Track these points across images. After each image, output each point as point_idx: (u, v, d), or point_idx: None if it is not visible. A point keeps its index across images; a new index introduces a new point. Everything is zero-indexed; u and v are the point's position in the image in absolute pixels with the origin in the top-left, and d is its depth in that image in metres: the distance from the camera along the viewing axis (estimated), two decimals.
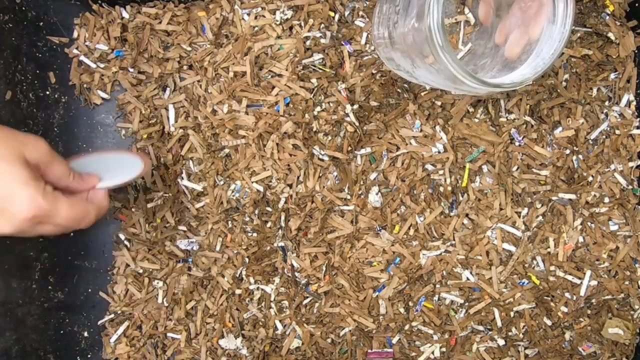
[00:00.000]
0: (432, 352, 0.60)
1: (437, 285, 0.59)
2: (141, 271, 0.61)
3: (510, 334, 0.60)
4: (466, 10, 0.55)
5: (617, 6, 0.58)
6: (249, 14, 0.60)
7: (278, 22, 0.59)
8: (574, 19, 0.42)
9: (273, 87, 0.59)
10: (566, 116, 0.59)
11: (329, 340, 0.60)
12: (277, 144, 0.58)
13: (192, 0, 0.61)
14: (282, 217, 0.59)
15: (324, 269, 0.59)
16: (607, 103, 0.59)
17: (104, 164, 0.53)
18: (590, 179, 0.59)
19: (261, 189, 0.59)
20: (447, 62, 0.40)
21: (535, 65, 0.44)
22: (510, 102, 0.58)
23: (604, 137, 0.59)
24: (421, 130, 0.59)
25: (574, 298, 0.59)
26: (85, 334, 0.62)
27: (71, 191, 0.48)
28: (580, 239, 0.59)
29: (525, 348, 0.60)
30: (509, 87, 0.43)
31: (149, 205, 0.60)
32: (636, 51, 0.59)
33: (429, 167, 0.59)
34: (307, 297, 0.60)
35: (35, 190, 0.42)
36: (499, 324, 0.59)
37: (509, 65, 0.47)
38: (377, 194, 0.59)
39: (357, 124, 0.58)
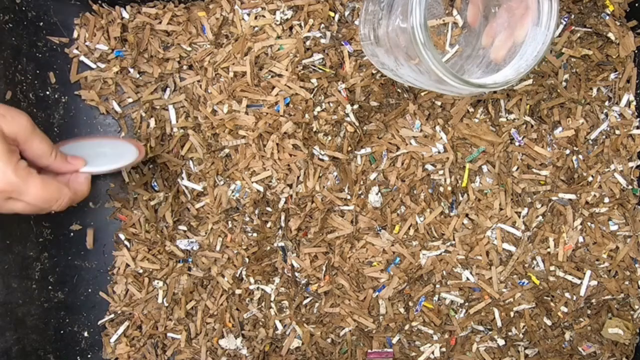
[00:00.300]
0: (432, 352, 0.60)
1: (437, 285, 0.59)
2: (141, 271, 0.61)
3: (510, 334, 0.60)
4: (454, 12, 0.55)
5: (617, 6, 0.58)
6: (249, 14, 0.60)
7: (278, 22, 0.59)
8: (557, 21, 0.43)
9: (273, 87, 0.59)
10: (566, 116, 0.59)
11: (329, 340, 0.60)
12: (277, 144, 0.58)
13: (192, 0, 0.61)
14: (282, 217, 0.59)
15: (324, 269, 0.59)
16: (607, 103, 0.59)
17: (96, 149, 0.52)
18: (590, 179, 0.59)
19: (261, 189, 0.59)
20: (428, 60, 0.40)
21: (518, 67, 0.44)
22: (510, 102, 0.59)
23: (604, 137, 0.59)
24: (421, 130, 0.59)
25: (574, 298, 0.59)
26: (85, 334, 0.62)
27: (53, 171, 0.48)
28: (580, 239, 0.59)
29: (525, 348, 0.60)
30: (491, 87, 0.43)
31: (149, 205, 0.60)
32: (636, 51, 0.59)
33: (429, 167, 0.59)
34: (307, 297, 0.60)
35: (5, 164, 0.41)
36: (499, 324, 0.59)
37: (495, 68, 0.47)
38: (377, 194, 0.59)
39: (357, 124, 0.58)
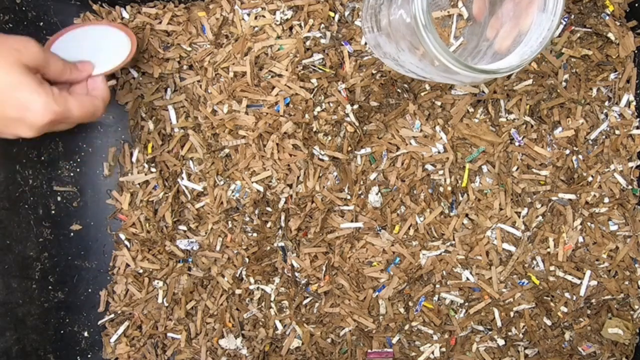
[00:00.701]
0: (432, 352, 0.60)
1: (437, 285, 0.59)
2: (141, 271, 0.61)
3: (510, 334, 0.60)
4: (460, 4, 0.54)
5: (617, 6, 0.58)
6: (249, 14, 0.60)
7: (278, 22, 0.59)
8: (564, 7, 0.42)
9: (273, 87, 0.59)
10: (566, 116, 0.59)
11: (329, 340, 0.60)
12: (277, 144, 0.59)
13: (192, 0, 0.61)
14: (282, 217, 0.59)
15: (324, 269, 0.59)
16: (607, 103, 0.59)
17: (89, 43, 0.54)
18: (590, 179, 0.59)
19: (261, 189, 0.59)
20: (429, 43, 0.39)
21: (523, 54, 0.43)
22: (510, 102, 0.59)
23: (603, 137, 0.59)
24: (421, 130, 0.59)
25: (574, 298, 0.59)
26: (86, 334, 0.62)
27: (72, 82, 0.51)
28: (580, 239, 0.59)
29: (525, 348, 0.60)
30: (494, 73, 0.42)
31: (149, 205, 0.60)
32: (636, 51, 0.59)
33: (429, 167, 0.59)
34: (307, 297, 0.60)
35: (46, 97, 0.44)
36: (499, 324, 0.59)
37: (498, 58, 0.46)
38: (377, 194, 0.59)
39: (357, 124, 0.58)
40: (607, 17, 0.58)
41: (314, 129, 0.59)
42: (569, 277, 0.59)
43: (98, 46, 0.54)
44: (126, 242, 0.62)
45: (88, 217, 0.62)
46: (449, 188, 0.59)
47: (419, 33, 0.40)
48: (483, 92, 0.58)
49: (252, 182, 0.59)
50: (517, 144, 0.59)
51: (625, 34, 0.58)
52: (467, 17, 0.53)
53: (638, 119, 0.59)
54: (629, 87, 0.59)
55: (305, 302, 0.60)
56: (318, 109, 0.59)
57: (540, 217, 0.59)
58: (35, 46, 0.45)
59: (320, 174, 0.59)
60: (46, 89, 0.45)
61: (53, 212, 0.60)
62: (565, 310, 0.59)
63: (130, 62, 0.56)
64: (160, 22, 0.61)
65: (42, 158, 0.59)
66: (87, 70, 0.52)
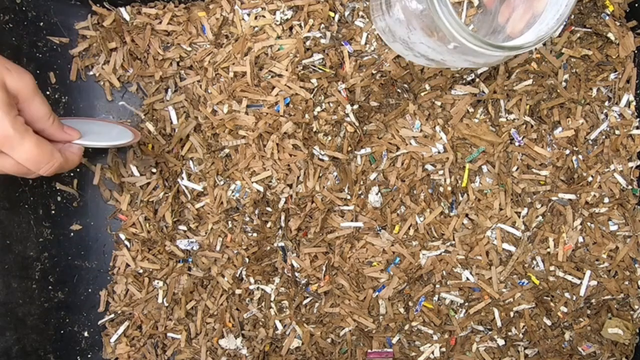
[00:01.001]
0: (432, 352, 0.60)
1: (437, 285, 0.59)
2: (141, 271, 0.61)
3: (510, 334, 0.60)
4: None
5: (617, 6, 0.58)
6: (249, 14, 0.60)
7: (278, 23, 0.59)
8: None
9: (273, 87, 0.59)
10: (566, 116, 0.59)
11: (329, 340, 0.60)
12: (277, 144, 0.59)
13: (192, 1, 0.61)
14: (282, 217, 0.59)
15: (324, 269, 0.59)
16: (606, 103, 0.59)
17: (93, 127, 0.52)
18: (590, 179, 0.59)
19: (261, 189, 0.59)
20: (442, 16, 0.37)
21: (539, 31, 0.42)
22: (510, 102, 0.59)
23: (603, 137, 0.59)
24: (421, 131, 0.59)
25: (574, 298, 0.59)
26: (86, 334, 0.62)
27: (47, 137, 0.46)
28: (580, 239, 0.59)
29: (525, 348, 0.60)
30: (512, 50, 0.40)
31: (149, 205, 0.60)
32: (636, 51, 0.59)
33: (429, 167, 0.59)
34: (307, 297, 0.60)
35: (3, 114, 0.40)
36: (499, 324, 0.59)
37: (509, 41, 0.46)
38: (377, 194, 0.59)
39: (357, 124, 0.58)
40: (607, 17, 0.58)
41: (314, 129, 0.59)
42: (569, 277, 0.59)
43: (97, 131, 0.52)
44: (126, 242, 0.62)
45: (88, 217, 0.62)
46: (449, 188, 0.59)
47: (433, 8, 0.38)
48: (483, 92, 0.58)
49: (252, 182, 0.59)
50: (517, 144, 0.59)
51: (625, 34, 0.58)
52: (478, 5, 0.53)
53: (638, 119, 0.59)
54: (629, 87, 0.59)
55: (305, 302, 0.60)
56: (318, 109, 0.59)
57: (540, 217, 0.59)
58: (29, 79, 0.42)
59: (320, 174, 0.59)
60: (9, 110, 0.40)
61: (53, 212, 0.60)
62: (565, 310, 0.59)
63: (121, 146, 0.54)
64: (160, 22, 0.61)
65: None
66: (71, 136, 0.48)
